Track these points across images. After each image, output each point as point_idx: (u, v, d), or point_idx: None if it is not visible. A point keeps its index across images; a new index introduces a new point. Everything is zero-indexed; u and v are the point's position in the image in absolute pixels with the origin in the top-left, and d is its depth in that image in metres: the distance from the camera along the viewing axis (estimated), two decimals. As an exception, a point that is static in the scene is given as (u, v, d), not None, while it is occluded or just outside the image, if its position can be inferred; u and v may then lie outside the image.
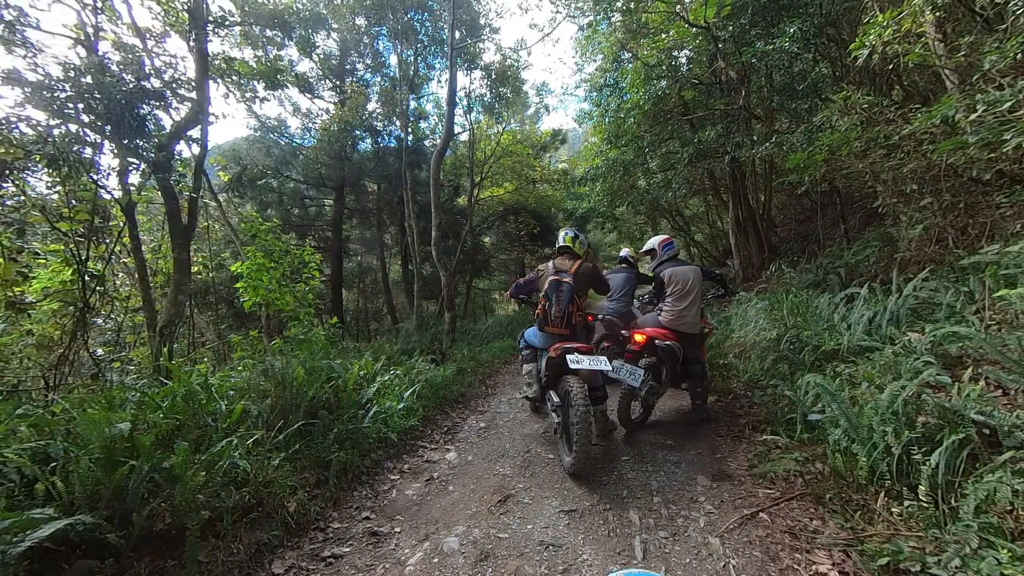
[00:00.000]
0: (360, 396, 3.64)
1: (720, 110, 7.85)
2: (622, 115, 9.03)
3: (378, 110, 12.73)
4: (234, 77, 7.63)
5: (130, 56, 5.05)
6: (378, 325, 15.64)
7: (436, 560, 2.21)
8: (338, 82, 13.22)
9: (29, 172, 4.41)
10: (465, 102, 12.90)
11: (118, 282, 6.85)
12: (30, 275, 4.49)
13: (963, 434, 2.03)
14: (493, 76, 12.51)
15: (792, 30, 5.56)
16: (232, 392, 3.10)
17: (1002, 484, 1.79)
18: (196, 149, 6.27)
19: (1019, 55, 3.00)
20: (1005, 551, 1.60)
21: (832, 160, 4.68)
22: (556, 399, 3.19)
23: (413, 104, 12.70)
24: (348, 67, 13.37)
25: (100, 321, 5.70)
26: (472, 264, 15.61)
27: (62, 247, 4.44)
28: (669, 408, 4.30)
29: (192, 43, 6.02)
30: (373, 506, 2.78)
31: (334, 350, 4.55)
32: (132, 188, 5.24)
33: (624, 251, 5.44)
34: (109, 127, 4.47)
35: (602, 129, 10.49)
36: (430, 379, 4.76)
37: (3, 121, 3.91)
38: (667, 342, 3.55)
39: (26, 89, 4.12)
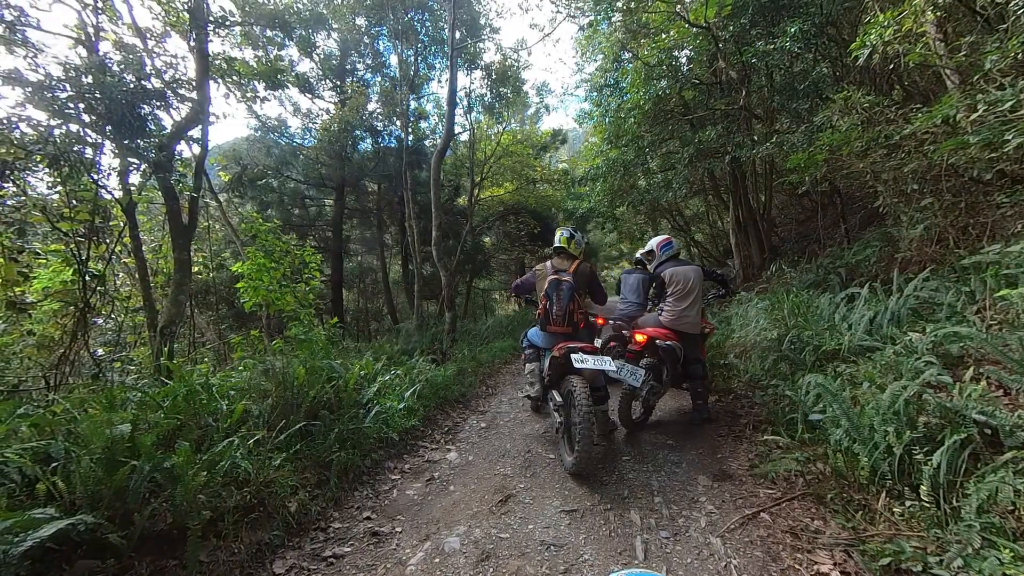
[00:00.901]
0: (361, 396, 3.64)
1: (720, 110, 7.84)
2: (622, 115, 9.02)
3: (378, 110, 12.74)
4: (235, 77, 7.62)
5: (131, 56, 5.04)
6: (378, 325, 15.63)
7: (437, 560, 2.21)
8: (338, 82, 13.22)
9: (30, 172, 4.41)
10: (465, 102, 12.92)
11: (119, 282, 6.86)
12: (31, 275, 4.49)
13: (965, 434, 2.03)
14: (493, 76, 12.52)
15: (793, 30, 5.56)
16: (233, 392, 3.10)
17: (1004, 484, 1.80)
18: (197, 149, 6.28)
19: (1020, 55, 3.00)
20: (1007, 551, 1.60)
21: (833, 160, 4.68)
22: (558, 399, 3.19)
23: (413, 104, 12.71)
24: (348, 67, 13.38)
25: (101, 321, 5.71)
26: (472, 264, 15.62)
27: (63, 247, 4.44)
28: (670, 408, 4.30)
29: (192, 43, 6.02)
30: (374, 506, 2.78)
31: (334, 350, 4.54)
32: (133, 188, 5.25)
33: (640, 252, 5.42)
34: (110, 127, 4.47)
35: (602, 129, 10.48)
36: (431, 379, 4.76)
37: (4, 121, 3.91)
38: (668, 342, 3.55)
39: (27, 89, 4.12)
